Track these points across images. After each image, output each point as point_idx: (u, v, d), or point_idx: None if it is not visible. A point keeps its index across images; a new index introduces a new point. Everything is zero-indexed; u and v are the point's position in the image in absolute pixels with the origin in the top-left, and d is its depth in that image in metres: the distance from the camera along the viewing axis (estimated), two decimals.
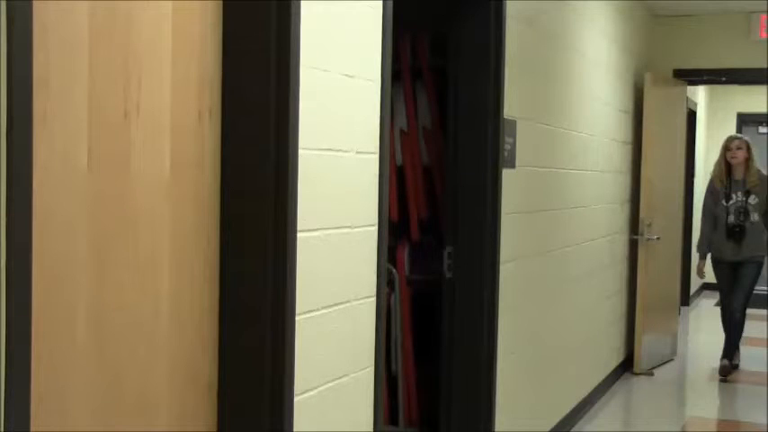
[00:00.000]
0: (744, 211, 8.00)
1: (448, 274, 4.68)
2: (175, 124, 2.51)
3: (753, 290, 8.13)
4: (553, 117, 5.80)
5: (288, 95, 2.68)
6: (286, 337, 2.67)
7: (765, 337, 9.57)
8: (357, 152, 3.14)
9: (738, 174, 8.09)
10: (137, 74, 2.37)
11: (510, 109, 4.76)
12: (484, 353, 4.65)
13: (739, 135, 8.44)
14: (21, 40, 1.83)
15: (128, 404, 2.37)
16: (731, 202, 8.05)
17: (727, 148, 8.13)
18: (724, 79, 9.21)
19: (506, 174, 4.75)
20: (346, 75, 3.05)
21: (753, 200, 8.02)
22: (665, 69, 8.80)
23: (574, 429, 6.36)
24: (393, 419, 5.44)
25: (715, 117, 13.41)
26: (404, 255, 5.45)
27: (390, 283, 5.18)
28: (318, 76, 2.87)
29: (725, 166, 8.15)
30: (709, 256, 8.29)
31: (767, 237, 8.07)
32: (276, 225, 2.66)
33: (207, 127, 2.64)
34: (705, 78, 9.12)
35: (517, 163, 4.96)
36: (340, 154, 3.03)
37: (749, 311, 8.33)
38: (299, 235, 2.74)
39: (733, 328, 8.18)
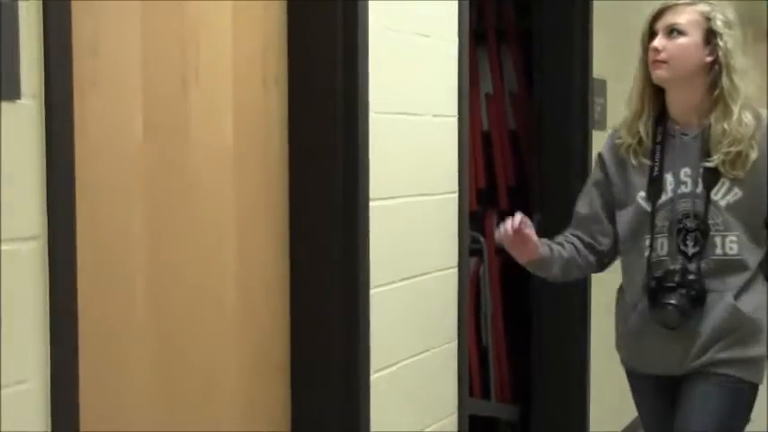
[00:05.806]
0: (700, 227, 2.62)
1: None
2: (238, 92, 2.40)
3: None
4: None
5: (356, 58, 2.56)
6: (359, 312, 2.56)
7: None
8: (434, 115, 3.01)
9: (685, 110, 2.70)
10: (194, 40, 2.27)
11: (600, 68, 4.57)
12: (576, 326, 4.48)
13: None
14: (57, 7, 1.72)
15: (192, 387, 2.27)
16: (664, 198, 2.67)
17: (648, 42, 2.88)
18: None
19: (597, 136, 4.57)
20: (420, 34, 2.91)
21: (728, 194, 2.61)
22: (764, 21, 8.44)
23: None
24: (486, 394, 5.31)
25: None
26: (492, 223, 5.28)
27: (479, 253, 5.03)
28: (390, 37, 2.74)
29: (646, 91, 2.74)
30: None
31: None
32: (346, 194, 2.55)
33: (273, 94, 2.53)
34: None
35: (608, 125, 4.77)
36: (415, 118, 2.90)
37: None
38: (371, 204, 2.62)
39: None
